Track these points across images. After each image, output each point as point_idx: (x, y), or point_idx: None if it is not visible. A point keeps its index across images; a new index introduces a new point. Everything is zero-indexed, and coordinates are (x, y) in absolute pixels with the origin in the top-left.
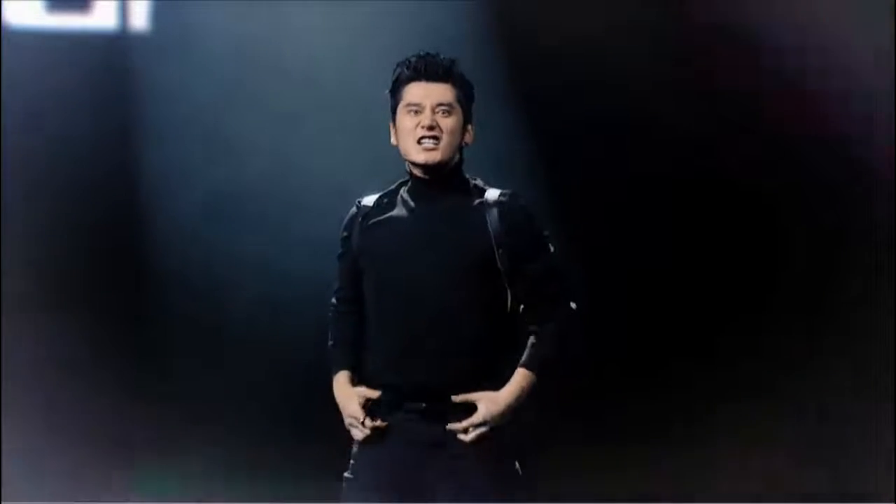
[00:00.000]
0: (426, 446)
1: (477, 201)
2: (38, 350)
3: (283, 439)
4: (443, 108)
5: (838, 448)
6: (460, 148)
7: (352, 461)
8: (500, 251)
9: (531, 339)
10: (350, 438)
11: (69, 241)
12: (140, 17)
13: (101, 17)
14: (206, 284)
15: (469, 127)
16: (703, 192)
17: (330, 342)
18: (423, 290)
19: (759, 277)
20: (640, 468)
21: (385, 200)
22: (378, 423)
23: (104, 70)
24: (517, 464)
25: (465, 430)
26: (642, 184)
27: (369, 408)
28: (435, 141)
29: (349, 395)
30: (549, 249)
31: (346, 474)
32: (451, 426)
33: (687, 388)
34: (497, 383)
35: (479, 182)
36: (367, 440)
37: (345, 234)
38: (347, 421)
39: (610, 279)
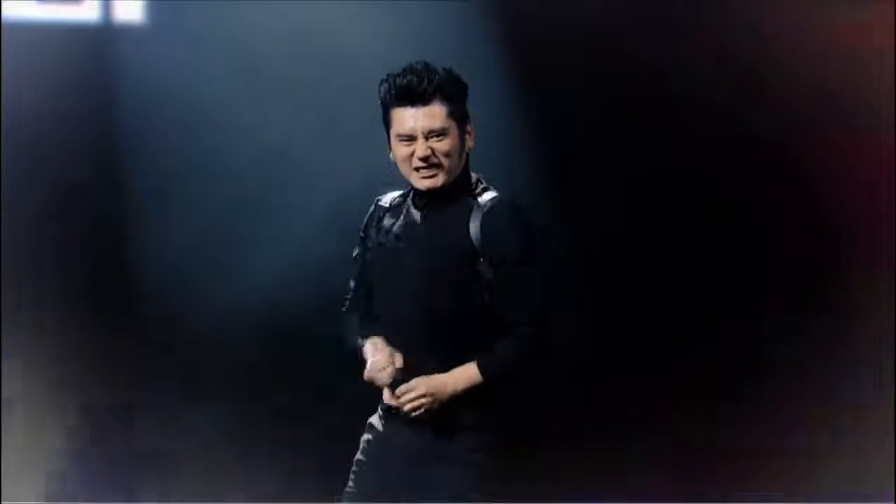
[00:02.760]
0: (416, 451)
1: (471, 207)
2: (37, 349)
3: (282, 439)
4: (435, 133)
5: (838, 448)
6: (463, 154)
7: (352, 475)
8: (482, 261)
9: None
10: (352, 445)
11: (62, 236)
12: (134, 9)
13: (92, 8)
14: (201, 282)
15: (469, 128)
16: (702, 191)
17: (359, 340)
18: (413, 298)
19: (757, 277)
20: (639, 468)
21: (398, 202)
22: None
23: (95, 62)
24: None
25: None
26: (642, 183)
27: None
28: (433, 169)
29: (381, 351)
30: (528, 264)
31: (347, 487)
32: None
33: (685, 389)
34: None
35: (482, 182)
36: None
37: (361, 234)
38: (375, 368)
39: (610, 279)
